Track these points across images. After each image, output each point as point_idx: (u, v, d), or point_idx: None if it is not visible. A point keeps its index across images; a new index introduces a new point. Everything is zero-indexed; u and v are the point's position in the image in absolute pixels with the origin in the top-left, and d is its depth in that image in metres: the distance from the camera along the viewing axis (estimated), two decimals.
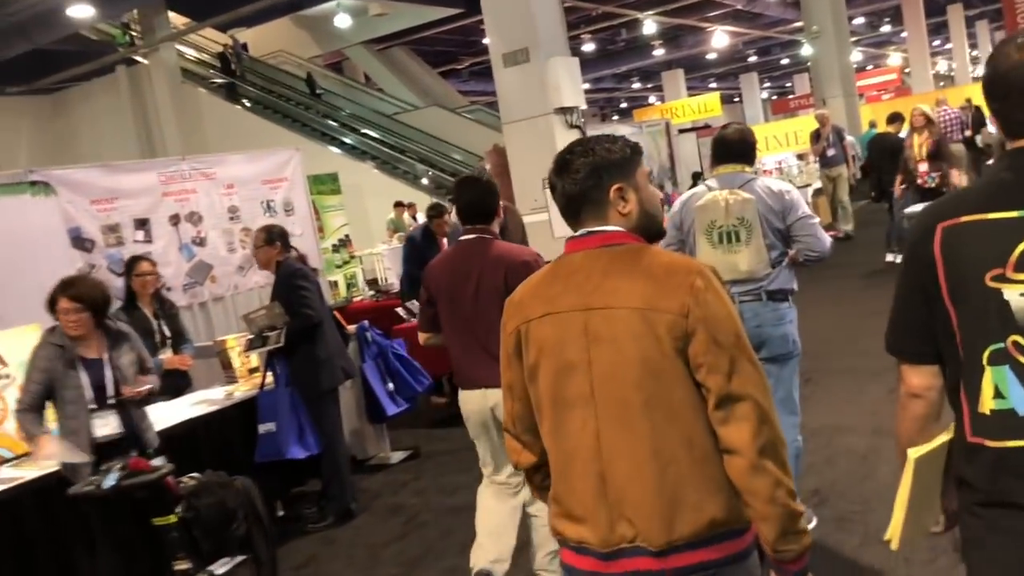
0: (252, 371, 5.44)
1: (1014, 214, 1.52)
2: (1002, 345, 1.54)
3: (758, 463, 1.71)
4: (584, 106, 9.22)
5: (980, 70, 37.35)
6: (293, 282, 4.78)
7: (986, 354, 1.55)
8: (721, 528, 1.76)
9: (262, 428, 4.85)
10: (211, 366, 5.67)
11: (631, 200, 1.87)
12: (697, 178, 12.61)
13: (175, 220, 7.20)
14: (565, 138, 9.14)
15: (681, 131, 17.33)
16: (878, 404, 5.23)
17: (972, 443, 1.59)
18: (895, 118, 9.54)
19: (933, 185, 8.47)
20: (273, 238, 4.87)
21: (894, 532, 1.72)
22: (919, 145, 8.24)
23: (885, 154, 9.29)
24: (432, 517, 4.90)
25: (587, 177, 1.86)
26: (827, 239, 3.61)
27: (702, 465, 1.75)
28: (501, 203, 3.66)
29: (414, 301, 6.84)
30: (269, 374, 5.02)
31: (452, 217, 6.90)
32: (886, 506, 1.78)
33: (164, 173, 7.21)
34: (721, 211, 3.57)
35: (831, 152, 11.62)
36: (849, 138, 12.21)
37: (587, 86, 35.11)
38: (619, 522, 1.78)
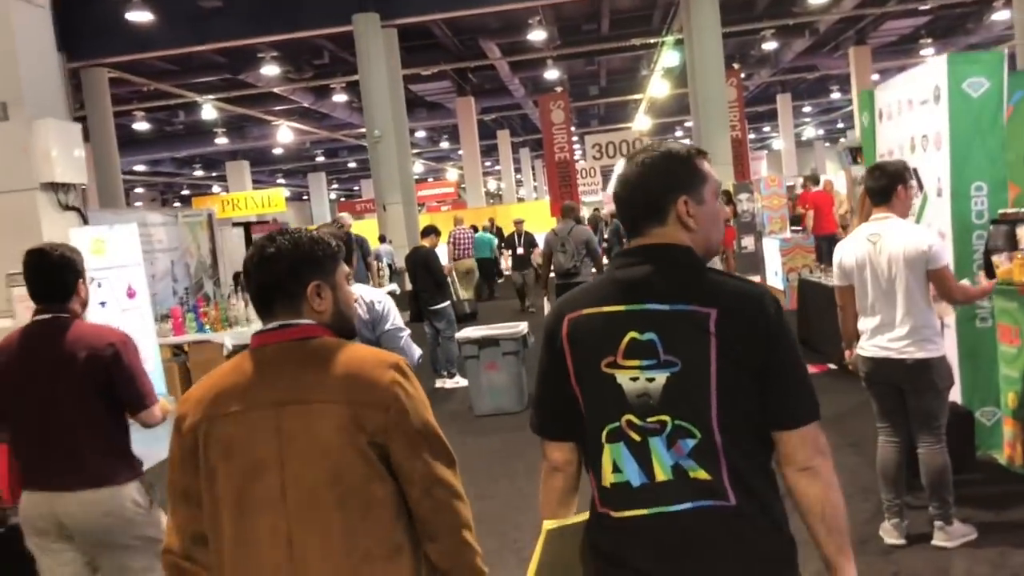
0: None
1: (621, 308, 1.75)
2: (617, 424, 1.74)
3: (464, 539, 1.84)
4: (85, 183, 7.57)
5: (524, 192, 41.67)
6: None
7: (604, 432, 1.75)
8: None
9: None
10: None
11: (327, 298, 1.88)
12: (238, 279, 11.31)
13: None
14: (55, 221, 7.37)
15: (235, 224, 16.02)
16: None
17: (601, 512, 1.79)
18: (430, 231, 9.30)
19: None
20: None
21: None
22: None
23: (419, 267, 8.94)
24: None
25: (286, 270, 1.83)
26: (415, 351, 3.77)
27: (395, 557, 1.77)
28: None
29: None
30: None
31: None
32: None
33: None
34: None
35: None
36: (386, 247, 11.89)
37: (142, 168, 32.50)
38: None
